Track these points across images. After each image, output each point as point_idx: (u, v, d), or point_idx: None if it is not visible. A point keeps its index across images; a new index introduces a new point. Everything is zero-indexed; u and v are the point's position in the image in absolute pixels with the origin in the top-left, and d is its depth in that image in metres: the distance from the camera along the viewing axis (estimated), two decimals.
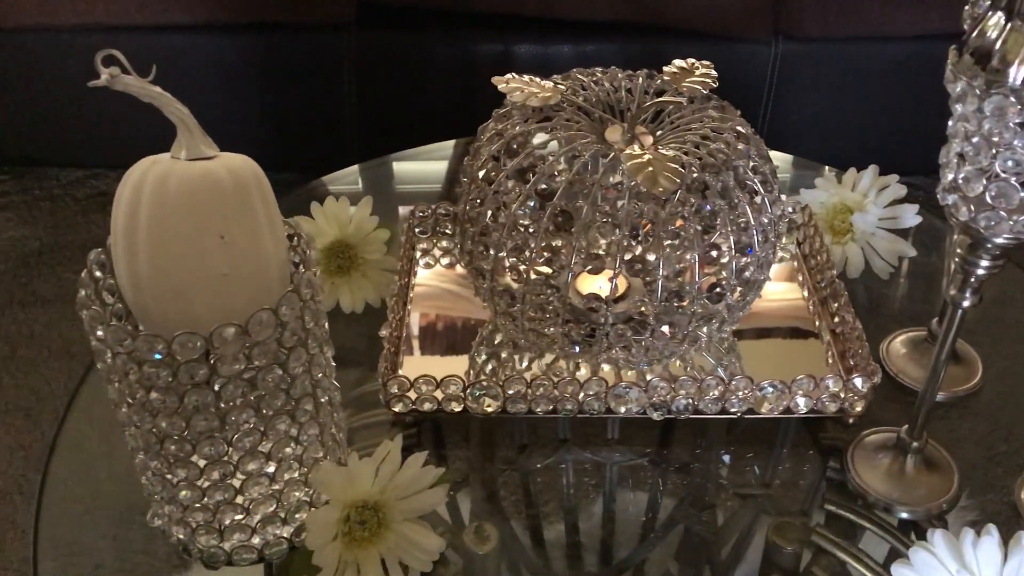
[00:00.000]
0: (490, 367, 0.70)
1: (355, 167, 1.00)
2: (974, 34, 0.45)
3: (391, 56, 1.40)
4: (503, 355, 0.71)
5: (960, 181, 0.48)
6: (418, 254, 0.80)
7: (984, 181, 0.46)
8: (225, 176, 0.48)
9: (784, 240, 0.80)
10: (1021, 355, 0.73)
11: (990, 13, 0.44)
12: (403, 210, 0.88)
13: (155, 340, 0.46)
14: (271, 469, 0.53)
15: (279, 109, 1.47)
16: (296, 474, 0.54)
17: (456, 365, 0.70)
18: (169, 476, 0.52)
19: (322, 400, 0.54)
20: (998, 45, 0.43)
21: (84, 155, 1.55)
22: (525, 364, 0.70)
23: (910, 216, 0.77)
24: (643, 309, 0.60)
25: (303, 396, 0.52)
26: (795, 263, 0.79)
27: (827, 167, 0.86)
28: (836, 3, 1.30)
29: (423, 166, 1.02)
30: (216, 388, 0.48)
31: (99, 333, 0.47)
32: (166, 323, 0.48)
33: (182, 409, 0.49)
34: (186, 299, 0.48)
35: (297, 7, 1.33)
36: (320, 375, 0.53)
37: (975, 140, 0.46)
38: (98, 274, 0.51)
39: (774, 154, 0.99)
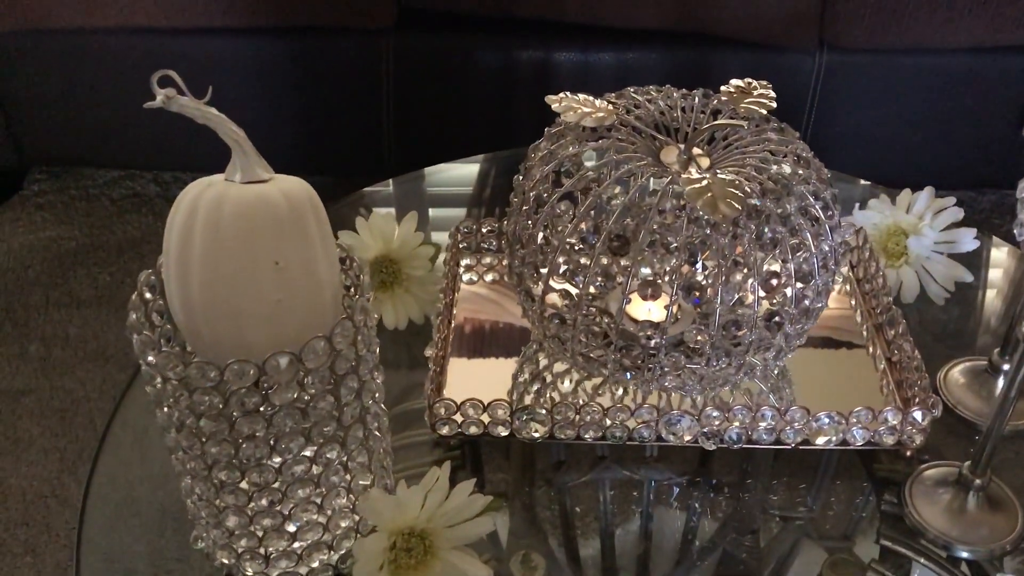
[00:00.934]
0: (535, 387, 0.69)
1: (390, 181, 0.99)
2: None
3: (430, 61, 1.38)
4: (547, 377, 0.70)
5: None
6: (461, 270, 0.79)
7: None
8: (280, 200, 0.47)
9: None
10: None
11: None
12: (439, 220, 0.87)
13: (208, 368, 0.45)
14: (319, 496, 0.52)
15: (318, 113, 1.46)
16: (344, 501, 0.53)
17: (499, 383, 0.69)
18: (217, 501, 0.51)
19: (372, 426, 0.53)
20: None
21: (120, 155, 1.55)
22: (571, 386, 0.69)
23: (968, 240, 0.75)
24: (699, 337, 0.58)
25: (354, 423, 0.51)
26: (848, 286, 0.77)
27: (882, 191, 0.84)
28: (883, 14, 1.27)
29: (461, 178, 1.01)
30: (268, 416, 0.47)
31: (150, 359, 0.47)
32: (218, 349, 0.48)
33: (232, 436, 0.48)
34: (239, 325, 0.47)
35: (336, 11, 1.32)
36: (370, 401, 0.52)
37: None
38: (148, 296, 0.50)
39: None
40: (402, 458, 0.65)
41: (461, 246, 0.79)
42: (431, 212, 0.96)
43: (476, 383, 0.70)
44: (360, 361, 0.50)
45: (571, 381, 0.69)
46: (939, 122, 1.37)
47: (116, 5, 1.31)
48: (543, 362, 0.71)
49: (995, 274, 0.84)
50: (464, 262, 0.79)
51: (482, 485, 0.65)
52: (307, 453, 0.50)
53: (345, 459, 0.52)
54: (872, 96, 1.35)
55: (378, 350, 0.53)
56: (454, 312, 0.75)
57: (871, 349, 0.71)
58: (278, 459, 0.49)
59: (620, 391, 0.67)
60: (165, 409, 0.49)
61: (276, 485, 0.50)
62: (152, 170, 1.61)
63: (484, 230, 0.79)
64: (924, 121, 1.38)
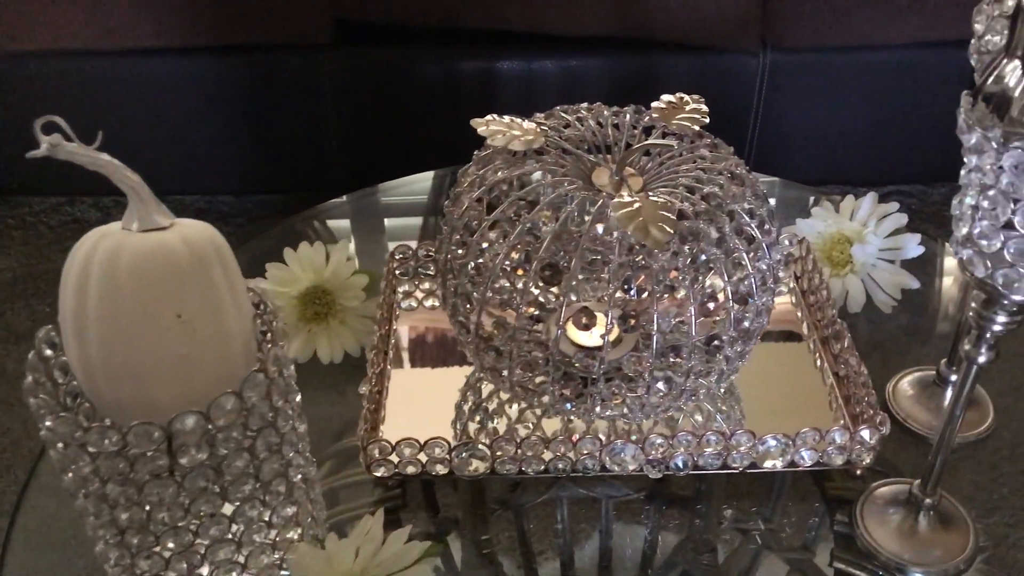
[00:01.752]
0: (478, 419, 0.67)
1: (343, 198, 0.96)
2: (989, 80, 0.41)
3: (372, 74, 1.36)
4: (491, 407, 0.67)
5: (976, 236, 0.44)
6: (399, 296, 0.76)
7: (1002, 237, 0.43)
8: (181, 248, 0.44)
9: (782, 274, 0.76)
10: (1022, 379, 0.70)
11: (1005, 60, 0.41)
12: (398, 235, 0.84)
13: (109, 431, 0.42)
14: (243, 556, 0.49)
15: (260, 131, 1.43)
16: (271, 558, 0.51)
17: (442, 418, 0.67)
18: (135, 570, 0.48)
19: (295, 479, 0.50)
20: (1016, 94, 0.40)
21: (58, 182, 1.51)
22: (515, 416, 0.66)
23: (913, 246, 0.74)
24: (636, 365, 0.56)
25: (275, 478, 0.48)
26: (793, 298, 0.76)
27: (824, 198, 0.83)
28: (824, 12, 1.26)
29: (411, 196, 0.98)
30: (178, 478, 0.45)
31: (48, 423, 0.44)
32: (121, 409, 0.45)
33: (141, 500, 0.45)
34: (142, 384, 0.44)
35: (271, 28, 1.29)
36: (292, 453, 0.49)
37: (991, 194, 0.42)
38: (48, 352, 0.47)
39: (760, 176, 0.96)
40: (348, 497, 0.63)
41: (398, 272, 0.76)
42: (387, 223, 0.94)
43: (417, 417, 0.67)
44: (278, 413, 0.47)
45: (516, 411, 0.67)
46: (886, 117, 1.37)
47: (43, 29, 1.27)
48: (487, 391, 0.68)
49: (946, 277, 0.83)
50: (402, 288, 0.77)
51: (436, 511, 0.63)
52: (226, 512, 0.47)
53: (268, 515, 0.49)
54: (818, 95, 1.35)
55: (299, 398, 0.51)
56: (392, 342, 0.72)
57: (819, 363, 0.70)
58: (195, 521, 0.46)
59: (565, 421, 0.65)
60: (70, 475, 0.46)
61: (195, 548, 0.47)
62: (92, 195, 1.56)
63: (422, 253, 0.76)
64: (871, 117, 1.38)
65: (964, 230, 0.45)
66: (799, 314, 0.74)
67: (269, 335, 0.50)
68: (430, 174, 0.97)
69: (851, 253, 0.74)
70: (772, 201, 0.93)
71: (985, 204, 0.43)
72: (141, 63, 1.32)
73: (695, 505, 0.63)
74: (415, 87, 1.34)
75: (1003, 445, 0.66)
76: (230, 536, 0.48)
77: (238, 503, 0.47)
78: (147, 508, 0.45)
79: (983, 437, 0.66)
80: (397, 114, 1.37)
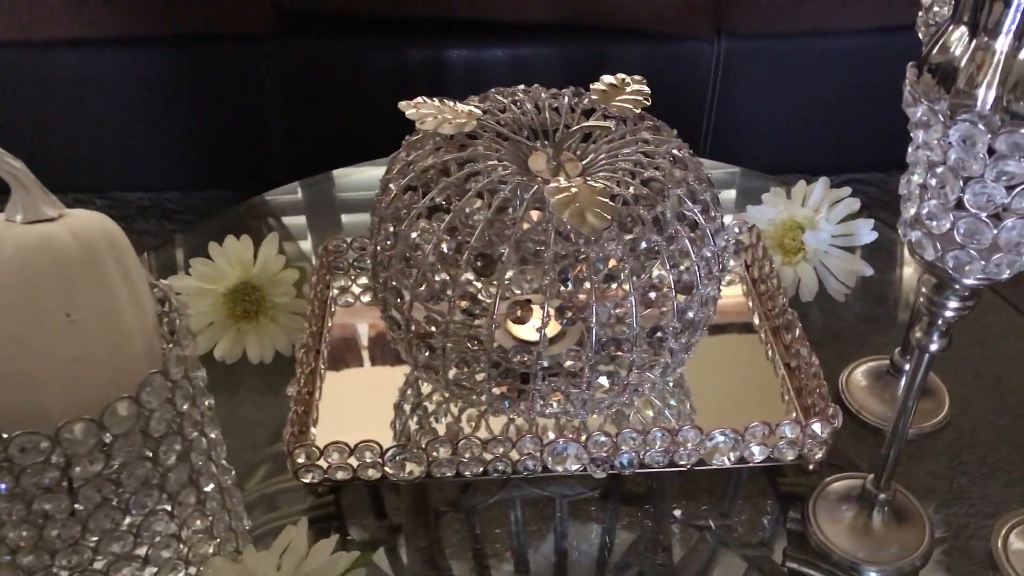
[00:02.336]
0: (416, 419, 0.64)
1: (295, 184, 0.92)
2: (934, 50, 0.39)
3: (317, 65, 1.32)
4: (430, 406, 0.64)
5: (924, 216, 0.42)
6: (335, 292, 0.72)
7: (951, 217, 0.40)
8: (69, 241, 0.40)
9: (732, 263, 0.74)
10: (988, 377, 0.68)
11: (951, 27, 0.38)
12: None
13: None
14: (149, 574, 0.45)
15: (202, 126, 1.38)
16: (183, 575, 0.47)
17: (381, 419, 0.63)
18: None
19: (207, 489, 0.47)
20: (963, 63, 0.38)
21: None
22: (454, 416, 0.63)
23: (865, 232, 0.72)
24: (574, 360, 0.53)
25: (182, 489, 0.45)
26: (744, 288, 0.73)
27: (774, 187, 0.80)
28: None
29: (363, 183, 0.95)
30: (71, 490, 0.41)
31: None
32: (7, 417, 0.41)
33: (31, 517, 0.41)
34: (28, 390, 0.40)
35: (211, 17, 1.24)
36: (201, 461, 0.46)
37: (940, 171, 0.40)
38: None
39: (720, 166, 0.94)
40: (281, 505, 0.60)
41: (332, 266, 0.72)
42: (344, 218, 0.90)
43: (354, 419, 0.64)
44: (183, 418, 0.44)
45: (457, 410, 0.64)
46: (844, 104, 1.36)
47: None
48: (428, 390, 0.65)
49: (905, 267, 0.81)
50: (338, 284, 0.73)
51: (383, 515, 0.60)
52: (129, 528, 0.43)
53: (176, 530, 0.45)
54: (774, 82, 1.33)
55: (210, 401, 0.47)
56: (326, 340, 0.68)
57: (770, 353, 0.67)
58: (93, 538, 0.43)
59: (509, 420, 0.62)
60: None
61: (96, 567, 0.43)
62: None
63: (357, 246, 0.73)
64: (828, 104, 1.36)
65: (912, 211, 0.42)
66: (750, 304, 0.72)
67: (176, 338, 0.46)
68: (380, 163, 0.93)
69: (803, 240, 0.72)
70: (732, 192, 0.91)
71: (933, 182, 0.40)
72: (72, 55, 1.27)
73: (650, 503, 0.60)
74: (362, 78, 1.30)
75: (962, 434, 0.64)
76: (135, 552, 0.44)
77: (143, 516, 0.43)
78: (38, 527, 0.41)
79: (940, 427, 0.63)
80: (344, 106, 1.33)
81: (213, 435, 0.47)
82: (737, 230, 0.73)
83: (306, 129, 1.37)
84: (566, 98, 0.60)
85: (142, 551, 0.44)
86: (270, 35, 1.28)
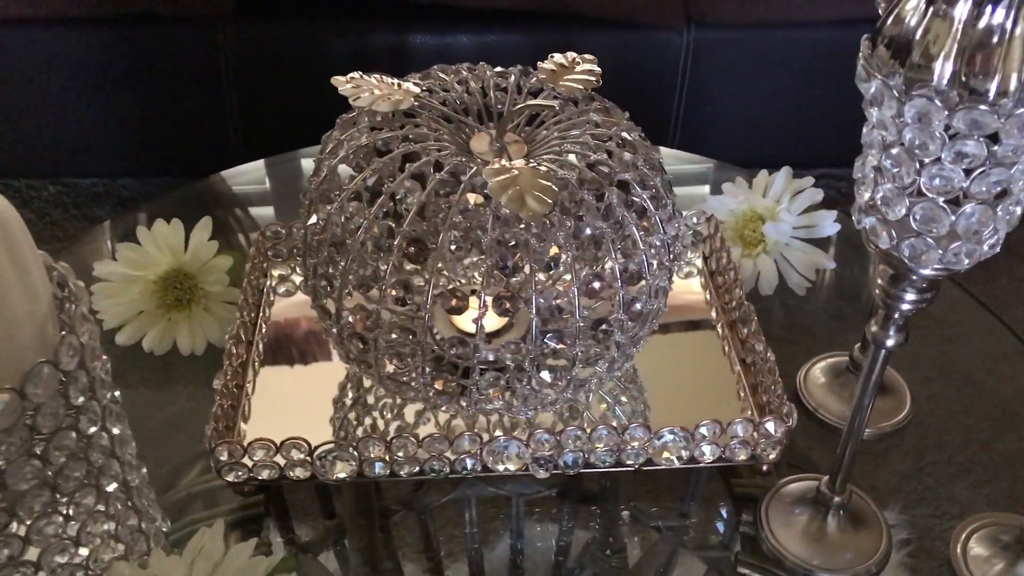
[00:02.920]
0: (353, 416, 0.60)
1: (260, 162, 0.89)
2: (889, 20, 0.36)
3: (275, 49, 1.27)
4: (373, 401, 0.61)
5: (879, 201, 0.39)
6: (272, 281, 0.69)
7: (907, 202, 0.38)
8: None
9: (690, 255, 0.71)
10: (956, 377, 0.65)
11: None
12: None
13: None
14: None
15: (157, 109, 1.33)
16: None
17: (319, 417, 0.60)
18: None
19: (109, 488, 0.43)
20: (919, 35, 0.35)
21: None
22: (393, 413, 0.60)
23: (828, 224, 0.69)
24: (516, 352, 0.50)
25: (78, 490, 0.41)
26: (702, 280, 0.70)
27: (738, 177, 0.78)
28: None
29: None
30: None
31: None
32: None
33: None
34: None
35: None
36: (102, 460, 0.42)
37: (895, 152, 0.37)
38: None
39: (691, 157, 0.91)
40: (219, 503, 0.56)
41: (270, 254, 0.69)
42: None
43: (289, 415, 0.60)
44: (79, 412, 0.40)
45: (398, 407, 0.60)
46: (815, 97, 1.33)
47: None
48: (370, 384, 0.62)
49: (858, 260, 0.79)
50: (277, 272, 0.69)
51: (331, 515, 0.57)
52: (16, 530, 0.40)
53: (75, 532, 0.42)
54: (744, 73, 1.30)
55: (115, 394, 0.44)
56: (262, 331, 0.65)
57: (727, 348, 0.65)
58: None
59: (449, 418, 0.59)
60: None
61: None
62: None
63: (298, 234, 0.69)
64: (800, 97, 1.34)
65: (866, 195, 0.40)
66: (708, 297, 0.69)
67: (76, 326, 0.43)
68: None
69: (763, 231, 0.69)
70: (706, 187, 0.88)
71: (888, 164, 0.37)
72: (19, 35, 1.22)
73: (607, 503, 0.57)
74: (321, 63, 1.26)
75: (929, 434, 0.61)
76: (25, 558, 0.41)
77: (33, 519, 0.40)
78: None
79: (901, 427, 0.61)
80: (302, 91, 1.28)
81: (117, 430, 0.44)
82: (695, 220, 0.70)
83: (264, 115, 1.33)
84: (512, 77, 0.57)
85: (34, 555, 0.41)
86: (227, 17, 1.24)
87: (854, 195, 0.41)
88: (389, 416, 0.60)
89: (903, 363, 0.64)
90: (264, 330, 0.65)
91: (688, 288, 0.70)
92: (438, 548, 0.56)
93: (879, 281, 0.43)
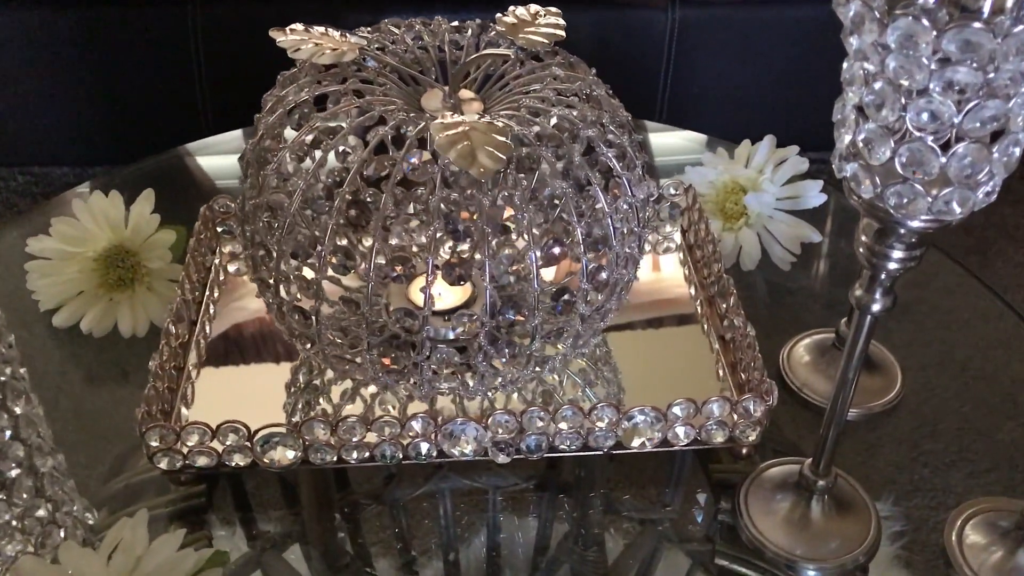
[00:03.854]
0: (304, 401, 0.56)
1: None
2: None
3: (246, 31, 1.23)
4: (325, 384, 0.57)
5: (861, 144, 0.35)
6: (225, 257, 0.65)
7: (892, 143, 0.33)
8: None
9: (668, 228, 0.67)
10: (952, 363, 0.61)
11: None
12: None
13: None
14: None
15: (121, 94, 1.29)
16: None
17: (269, 402, 0.56)
18: None
19: (11, 474, 0.39)
20: None
21: None
22: (349, 397, 0.56)
23: (813, 194, 0.65)
24: (468, 325, 0.46)
25: None
26: (681, 255, 0.66)
27: (719, 147, 0.74)
28: None
29: None
30: None
31: None
32: None
33: None
34: None
35: None
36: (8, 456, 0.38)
37: (877, 86, 0.33)
38: None
39: (681, 134, 0.86)
40: (147, 497, 0.52)
41: (220, 230, 0.65)
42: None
43: (236, 399, 0.56)
44: None
45: (351, 391, 0.56)
46: (804, 77, 1.29)
47: None
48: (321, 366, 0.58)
49: (846, 233, 0.74)
50: (228, 249, 0.65)
51: (297, 507, 0.52)
52: None
53: None
54: (732, 52, 1.26)
55: (19, 371, 0.39)
56: (209, 310, 0.61)
57: (705, 327, 0.60)
58: None
59: (404, 399, 0.55)
60: None
61: None
62: None
63: None
64: (789, 77, 1.29)
65: (847, 139, 0.35)
66: (686, 272, 0.65)
67: None
68: None
69: (745, 203, 0.65)
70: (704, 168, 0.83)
71: (870, 100, 0.33)
72: None
73: (585, 494, 0.53)
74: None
75: (924, 422, 0.57)
76: None
77: None
78: None
79: (890, 407, 0.57)
80: (274, 73, 1.24)
81: (19, 409, 0.39)
82: (672, 191, 0.66)
83: (233, 100, 1.28)
84: (470, 31, 0.53)
85: None
86: None
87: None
88: (342, 401, 0.56)
89: (898, 349, 0.60)
90: (212, 310, 0.61)
91: (666, 265, 0.66)
92: (411, 543, 0.52)
93: (863, 238, 0.38)
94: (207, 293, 0.61)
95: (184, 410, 0.54)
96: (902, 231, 0.37)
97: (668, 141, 0.85)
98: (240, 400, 0.56)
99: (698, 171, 0.67)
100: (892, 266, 0.38)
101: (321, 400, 0.56)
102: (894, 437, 0.56)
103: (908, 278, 0.45)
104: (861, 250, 0.39)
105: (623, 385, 0.58)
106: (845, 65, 0.35)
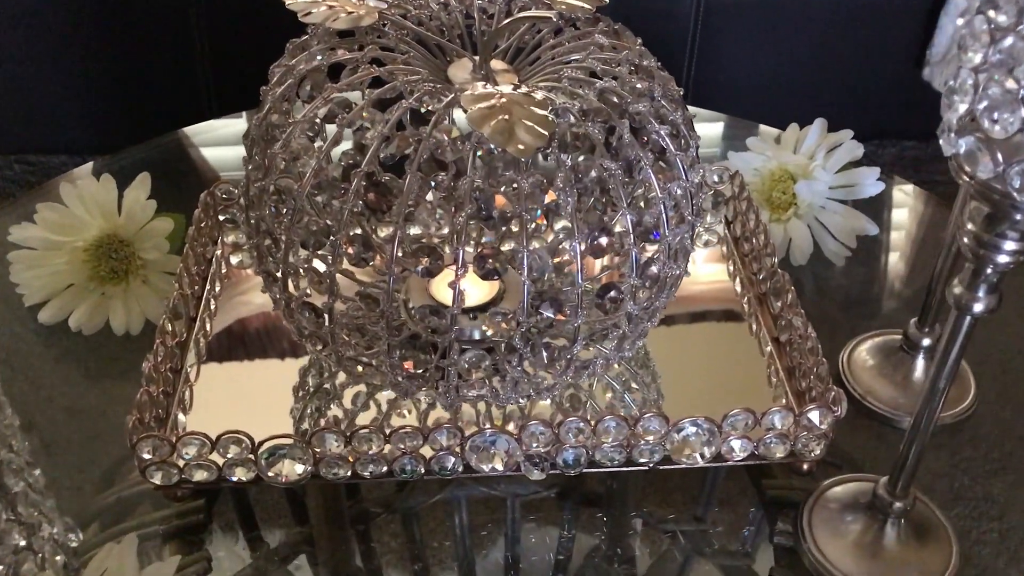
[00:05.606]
0: (314, 407, 0.51)
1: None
2: None
3: (249, 11, 1.18)
4: (337, 389, 0.51)
5: (980, 114, 0.29)
6: (227, 248, 0.59)
7: (1023, 112, 0.28)
8: None
9: (709, 219, 0.61)
10: (1021, 360, 0.56)
11: None
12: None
13: None
14: None
15: (123, 79, 1.25)
16: None
17: (275, 409, 0.50)
18: None
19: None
20: None
21: None
22: (363, 404, 0.50)
23: (871, 182, 0.60)
24: (503, 325, 0.41)
25: None
26: (723, 248, 0.60)
27: (761, 127, 0.68)
28: None
29: None
30: None
31: None
32: None
33: None
34: None
35: None
36: None
37: (1007, 43, 0.27)
38: None
39: (703, 113, 0.81)
40: (142, 513, 0.47)
41: (223, 219, 0.59)
42: None
43: (240, 405, 0.51)
44: None
45: (366, 397, 0.51)
46: (831, 64, 1.24)
47: None
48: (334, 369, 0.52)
49: (905, 225, 0.69)
50: (230, 239, 0.60)
51: (304, 518, 0.48)
52: None
53: None
54: (757, 37, 1.21)
55: (10, 413, 0.34)
56: (210, 306, 0.55)
57: (754, 327, 0.55)
58: None
59: (426, 407, 0.49)
60: None
61: None
62: None
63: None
64: (815, 64, 1.24)
65: (962, 108, 0.30)
66: (731, 268, 0.59)
67: None
68: None
69: (795, 192, 0.59)
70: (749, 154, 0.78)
71: (996, 59, 0.28)
72: None
73: (614, 506, 0.48)
74: (301, 24, 1.17)
75: (992, 432, 0.51)
76: None
77: None
78: None
79: (964, 418, 0.51)
80: (279, 55, 1.19)
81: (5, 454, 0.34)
82: (716, 179, 0.60)
83: (237, 83, 1.23)
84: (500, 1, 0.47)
85: None
86: None
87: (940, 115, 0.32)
88: (357, 407, 0.50)
89: (968, 353, 0.54)
90: (212, 306, 0.56)
91: (706, 258, 0.60)
92: (424, 555, 0.47)
93: (969, 226, 0.33)
94: (207, 287, 0.56)
95: (181, 416, 0.49)
96: (1018, 217, 0.31)
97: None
98: (243, 405, 0.51)
99: (742, 157, 0.62)
100: (1002, 259, 0.33)
101: (332, 406, 0.51)
102: (967, 452, 0.50)
103: None
104: (965, 240, 0.33)
105: (662, 391, 0.53)
106: (961, 22, 0.30)
